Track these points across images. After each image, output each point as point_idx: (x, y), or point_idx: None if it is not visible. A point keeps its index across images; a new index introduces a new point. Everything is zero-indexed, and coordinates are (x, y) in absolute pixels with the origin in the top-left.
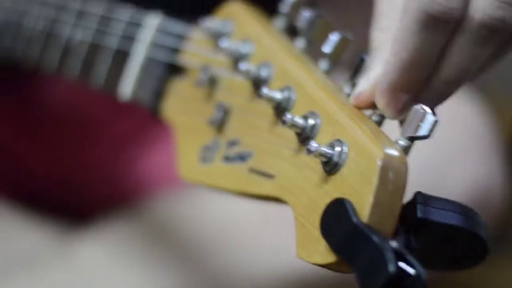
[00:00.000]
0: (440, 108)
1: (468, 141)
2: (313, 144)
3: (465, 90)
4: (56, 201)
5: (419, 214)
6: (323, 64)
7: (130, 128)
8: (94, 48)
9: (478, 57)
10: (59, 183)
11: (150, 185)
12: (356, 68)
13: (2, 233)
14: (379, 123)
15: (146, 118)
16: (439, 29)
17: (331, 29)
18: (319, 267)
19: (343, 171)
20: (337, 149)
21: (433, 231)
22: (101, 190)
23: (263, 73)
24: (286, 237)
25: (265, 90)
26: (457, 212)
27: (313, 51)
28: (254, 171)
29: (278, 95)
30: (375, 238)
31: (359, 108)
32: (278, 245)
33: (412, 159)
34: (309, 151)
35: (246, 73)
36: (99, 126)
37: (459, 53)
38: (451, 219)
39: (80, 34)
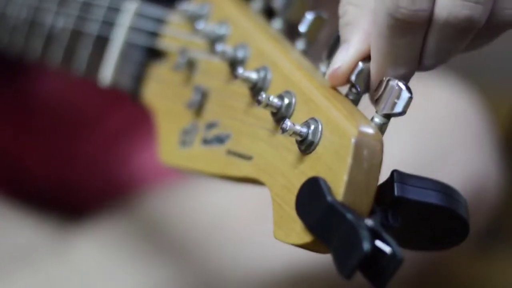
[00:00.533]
0: (435, 102)
1: (463, 135)
2: (288, 123)
3: (459, 84)
4: (51, 196)
5: (396, 193)
6: (300, 44)
7: (123, 124)
8: (76, 35)
9: (452, 50)
10: (54, 179)
11: (143, 180)
12: (331, 47)
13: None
14: (356, 101)
15: (139, 113)
16: (408, 32)
17: (306, 9)
18: (313, 261)
19: (318, 150)
20: (312, 127)
21: (411, 210)
22: (96, 185)
23: (240, 54)
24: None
25: (240, 71)
26: (435, 190)
27: (291, 35)
28: (232, 153)
29: (253, 75)
30: (349, 216)
31: (336, 83)
32: (271, 238)
33: (406, 152)
34: (284, 130)
35: (223, 55)
36: (92, 122)
37: (433, 48)
38: (430, 197)
39: (62, 21)
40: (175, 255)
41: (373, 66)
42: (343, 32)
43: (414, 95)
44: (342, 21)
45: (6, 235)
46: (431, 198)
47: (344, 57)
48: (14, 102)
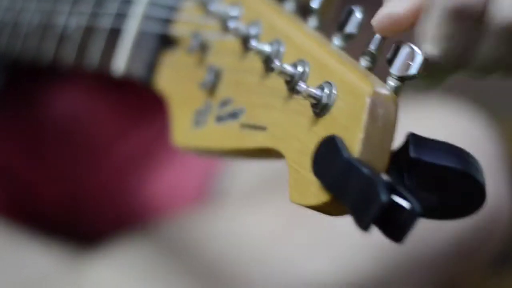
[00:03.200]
0: (449, 129)
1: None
2: (302, 85)
3: (471, 110)
4: (63, 224)
5: (412, 154)
6: (312, 21)
7: (137, 151)
8: (88, 31)
9: (504, 57)
10: (65, 206)
11: (157, 208)
12: (345, 19)
13: (12, 257)
14: (370, 69)
15: (151, 140)
16: (460, 23)
17: None
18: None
19: (333, 111)
20: (326, 90)
21: (426, 172)
22: (108, 213)
23: (252, 30)
24: (300, 250)
25: (253, 43)
26: (452, 154)
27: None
28: (246, 125)
29: (267, 48)
30: (366, 171)
31: (386, 29)
32: (292, 257)
33: None
34: (298, 92)
35: (235, 31)
36: (105, 149)
37: (485, 49)
38: (446, 160)
39: (75, 21)
40: (194, 281)
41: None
42: None
43: (427, 122)
44: None
45: (18, 263)
46: (448, 160)
47: (401, 3)
48: (25, 127)
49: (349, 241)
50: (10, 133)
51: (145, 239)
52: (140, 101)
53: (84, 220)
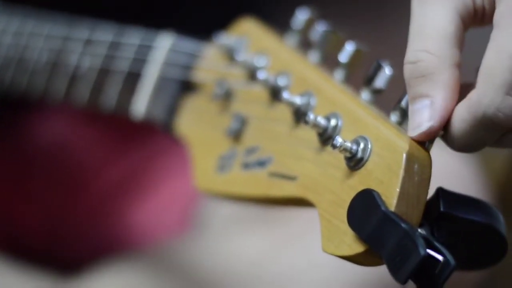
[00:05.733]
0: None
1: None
2: (339, 140)
3: None
4: (45, 252)
5: (442, 208)
6: (339, 75)
7: (121, 178)
8: (104, 73)
9: None
10: (49, 234)
11: (140, 235)
12: (373, 73)
13: None
14: (400, 123)
15: (136, 167)
16: (493, 130)
17: (343, 43)
18: None
19: (368, 165)
20: (362, 144)
21: (455, 226)
22: (92, 240)
23: (282, 82)
24: (285, 273)
25: (286, 95)
26: (479, 209)
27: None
28: (275, 174)
29: (298, 100)
30: (404, 225)
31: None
32: (279, 279)
33: None
34: (334, 146)
35: (265, 82)
36: (89, 176)
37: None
38: (474, 214)
39: (88, 61)
40: None
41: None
42: (416, 83)
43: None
44: (414, 69)
45: None
46: (475, 215)
47: (434, 116)
48: (11, 156)
49: (331, 266)
50: None
51: (132, 265)
52: (126, 129)
53: (66, 248)
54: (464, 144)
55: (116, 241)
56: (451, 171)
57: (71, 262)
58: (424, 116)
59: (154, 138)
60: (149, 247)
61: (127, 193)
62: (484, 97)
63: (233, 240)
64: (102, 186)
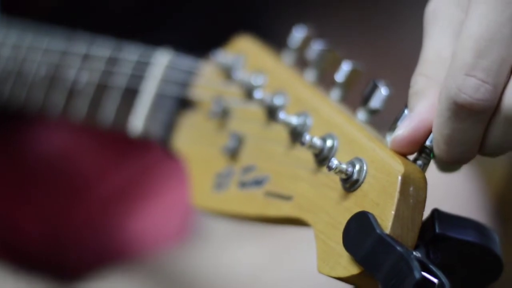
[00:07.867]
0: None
1: (455, 204)
2: (334, 161)
3: None
4: (46, 261)
5: (437, 230)
6: (335, 94)
7: (121, 187)
8: (101, 88)
9: None
10: (48, 241)
11: (140, 243)
12: (369, 93)
13: None
14: None
15: (136, 177)
16: (467, 119)
17: (340, 62)
18: None
19: (363, 187)
20: (357, 166)
21: (450, 247)
22: (91, 248)
23: (278, 101)
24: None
25: (282, 115)
26: (474, 229)
27: (323, 84)
28: (270, 194)
29: (294, 120)
30: (399, 248)
31: (397, 149)
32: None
33: None
34: (330, 168)
35: (261, 101)
36: (89, 184)
37: (497, 138)
38: (468, 235)
39: (86, 76)
40: None
41: (434, 141)
42: (411, 101)
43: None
44: (411, 91)
45: None
46: (470, 236)
47: (407, 124)
48: (12, 165)
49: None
50: None
51: (131, 274)
52: (126, 139)
53: (65, 256)
54: (448, 150)
55: (115, 250)
56: (449, 184)
57: (71, 271)
58: (400, 126)
59: (154, 147)
60: (148, 256)
61: (126, 202)
62: (447, 81)
63: (233, 249)
64: (102, 195)
